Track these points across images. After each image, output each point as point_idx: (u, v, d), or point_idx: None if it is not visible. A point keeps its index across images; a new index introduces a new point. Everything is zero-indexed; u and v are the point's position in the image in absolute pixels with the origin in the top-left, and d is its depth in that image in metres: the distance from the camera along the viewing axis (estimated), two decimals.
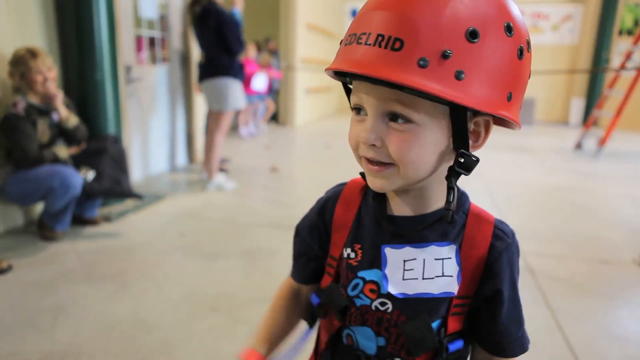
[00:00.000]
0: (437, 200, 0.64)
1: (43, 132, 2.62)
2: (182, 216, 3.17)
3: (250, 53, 6.50)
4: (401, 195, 0.64)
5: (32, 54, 2.53)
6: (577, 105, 9.56)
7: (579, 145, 6.56)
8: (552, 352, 1.80)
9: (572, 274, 2.49)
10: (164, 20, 4.25)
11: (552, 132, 8.64)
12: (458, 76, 0.50)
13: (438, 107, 0.54)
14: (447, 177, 0.58)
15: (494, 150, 6.29)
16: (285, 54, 7.61)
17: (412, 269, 0.62)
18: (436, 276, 0.62)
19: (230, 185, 3.90)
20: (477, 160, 0.57)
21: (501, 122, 0.60)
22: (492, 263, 0.62)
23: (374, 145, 0.56)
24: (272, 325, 0.77)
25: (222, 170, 4.33)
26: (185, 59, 4.46)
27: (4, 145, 2.57)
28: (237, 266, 2.36)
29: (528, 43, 0.56)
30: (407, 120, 0.54)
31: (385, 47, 0.50)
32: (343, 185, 0.73)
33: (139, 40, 3.96)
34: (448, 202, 0.57)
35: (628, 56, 6.36)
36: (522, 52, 0.55)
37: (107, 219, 3.02)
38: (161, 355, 1.68)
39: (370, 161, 0.58)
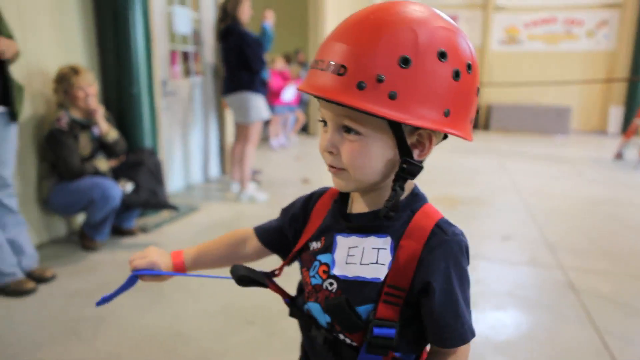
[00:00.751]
0: (384, 198, 0.71)
1: (85, 145, 2.71)
2: (216, 227, 3.21)
3: (278, 65, 6.57)
4: (362, 196, 0.75)
5: (75, 71, 2.63)
6: (616, 114, 9.24)
7: (619, 155, 6.34)
8: None
9: (617, 291, 2.39)
10: (197, 35, 4.35)
11: (589, 141, 8.37)
12: (392, 96, 0.60)
13: (381, 122, 0.63)
14: (393, 181, 0.68)
15: (529, 162, 6.14)
16: None
17: (354, 255, 0.72)
18: (371, 263, 0.70)
19: (262, 196, 3.94)
20: (421, 167, 0.68)
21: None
22: (424, 256, 0.68)
23: (331, 152, 0.68)
24: (209, 248, 0.92)
25: (253, 181, 4.37)
26: (217, 72, 4.55)
27: (49, 159, 2.67)
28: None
29: (468, 66, 0.65)
30: (357, 133, 0.65)
31: (333, 72, 0.61)
32: (326, 188, 0.85)
33: (173, 54, 4.07)
34: (388, 200, 0.67)
35: None
36: (459, 74, 0.63)
37: (144, 229, 3.09)
38: None
39: (330, 165, 0.70)
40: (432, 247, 0.68)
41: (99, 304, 0.89)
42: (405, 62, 0.60)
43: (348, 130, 0.66)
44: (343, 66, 0.61)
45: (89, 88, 2.67)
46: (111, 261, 2.62)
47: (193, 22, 4.25)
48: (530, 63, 9.54)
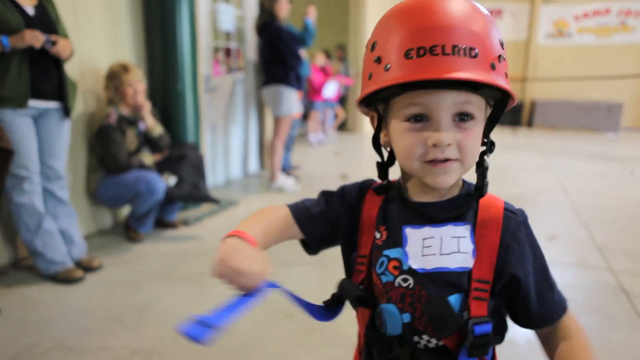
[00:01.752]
0: (457, 185, 0.71)
1: (131, 140, 2.80)
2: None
3: (319, 61, 6.57)
4: (427, 187, 0.69)
5: (125, 68, 2.71)
6: None
7: None
8: None
9: None
10: (239, 32, 4.41)
11: None
12: (506, 75, 0.64)
13: (485, 102, 0.66)
14: (483, 161, 0.69)
15: (576, 159, 5.89)
16: (355, 61, 7.63)
17: (430, 246, 0.68)
18: (452, 252, 0.67)
19: (290, 185, 4.03)
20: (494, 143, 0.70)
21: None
22: (509, 244, 0.67)
23: (448, 145, 0.63)
24: (269, 231, 0.74)
25: (292, 176, 4.41)
26: (258, 68, 4.59)
27: (97, 153, 2.78)
28: (310, 273, 2.38)
29: None
30: (472, 118, 0.64)
31: (464, 55, 0.59)
32: (370, 182, 0.79)
33: (216, 51, 4.15)
34: (483, 178, 0.68)
35: None
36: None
37: (186, 222, 3.17)
38: None
39: (435, 161, 0.64)
40: (514, 233, 0.68)
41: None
42: (502, 44, 0.64)
43: (463, 117, 0.64)
44: (473, 48, 0.60)
45: (138, 85, 2.76)
46: (154, 252, 2.70)
47: (236, 19, 4.31)
48: (579, 57, 9.13)
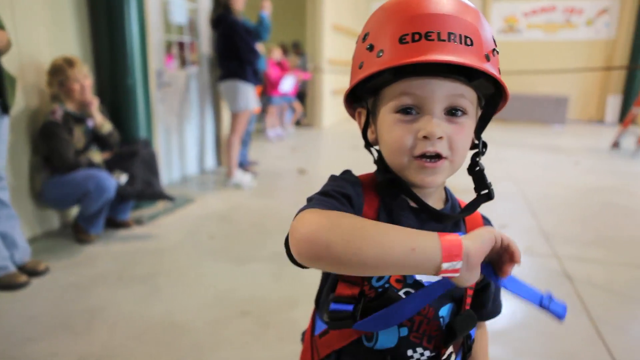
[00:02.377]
0: (442, 191, 0.72)
1: (79, 138, 2.69)
2: (212, 219, 3.20)
3: (275, 55, 6.52)
4: (426, 191, 0.68)
5: (69, 63, 2.59)
6: (614, 103, 9.22)
7: (616, 145, 6.33)
8: None
9: (613, 280, 2.39)
10: (193, 25, 4.31)
11: (586, 131, 8.36)
12: (499, 70, 0.63)
13: (476, 99, 0.64)
14: (477, 162, 0.68)
15: (526, 151, 6.13)
16: (312, 55, 7.62)
17: None
18: None
19: (247, 180, 4.01)
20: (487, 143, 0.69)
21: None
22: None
23: (440, 138, 0.60)
24: None
25: (249, 172, 4.37)
26: (213, 62, 4.51)
27: (42, 152, 2.65)
28: (266, 270, 2.36)
29: None
30: (464, 113, 0.62)
31: (460, 42, 0.58)
32: (357, 177, 0.70)
33: (168, 44, 4.03)
34: (486, 180, 0.69)
35: None
36: None
37: (139, 221, 3.08)
38: None
39: (425, 159, 0.61)
40: None
41: None
42: (494, 40, 0.63)
43: (453, 112, 0.61)
44: (468, 37, 0.59)
45: (84, 80, 2.64)
46: (106, 253, 2.61)
47: (189, 11, 4.21)
48: (529, 52, 9.50)
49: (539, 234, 3.02)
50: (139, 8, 3.05)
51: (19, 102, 2.55)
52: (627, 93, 8.98)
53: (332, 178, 0.70)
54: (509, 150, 6.10)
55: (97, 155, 2.78)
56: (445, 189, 0.72)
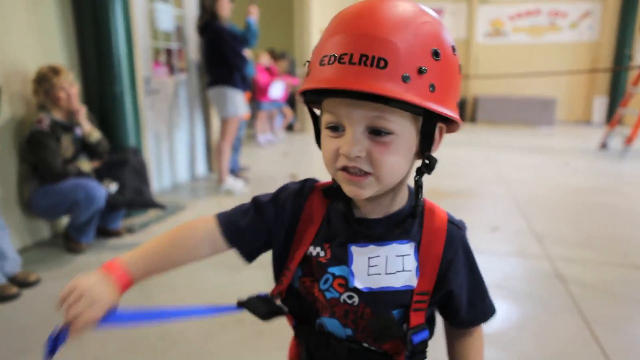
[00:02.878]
0: (400, 200, 0.71)
1: (67, 147, 2.66)
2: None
3: (263, 61, 6.52)
4: (372, 201, 0.69)
5: (55, 71, 2.57)
6: (600, 104, 9.35)
7: (603, 145, 6.41)
8: None
9: (605, 280, 2.41)
10: (180, 32, 4.29)
11: (574, 132, 8.46)
12: (432, 89, 0.59)
13: (409, 116, 0.61)
14: (417, 178, 0.67)
15: (515, 153, 6.19)
16: (300, 60, 7.63)
17: (376, 265, 0.68)
18: (397, 271, 0.68)
19: (238, 186, 4.00)
20: (436, 160, 0.66)
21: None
22: (450, 258, 0.70)
23: (358, 157, 0.61)
24: (159, 253, 0.75)
25: (240, 177, 4.35)
26: (201, 69, 4.50)
27: (30, 161, 2.62)
28: (260, 276, 2.34)
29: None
30: (388, 133, 0.60)
31: (371, 66, 0.56)
32: (311, 185, 0.76)
33: (156, 52, 4.02)
34: (417, 198, 0.68)
35: None
36: (460, 68, 0.66)
37: (130, 230, 3.05)
38: None
39: (349, 172, 0.62)
40: (456, 247, 0.71)
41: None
42: (436, 54, 0.59)
43: (377, 132, 0.60)
44: (382, 59, 0.56)
45: (71, 88, 2.62)
46: (97, 263, 2.55)
47: (176, 18, 4.19)
48: (515, 55, 9.60)
49: (530, 235, 3.05)
50: (125, 15, 3.04)
51: (5, 111, 2.52)
52: (613, 94, 9.11)
53: (281, 187, 0.77)
54: (498, 153, 6.15)
55: (86, 164, 2.75)
56: (410, 193, 0.72)
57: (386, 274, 0.68)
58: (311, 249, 0.72)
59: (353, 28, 0.59)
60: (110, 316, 0.65)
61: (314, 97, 0.66)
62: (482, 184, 4.36)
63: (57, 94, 2.57)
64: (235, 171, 4.46)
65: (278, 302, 0.76)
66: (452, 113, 0.62)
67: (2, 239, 2.25)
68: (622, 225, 3.31)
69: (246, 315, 2.22)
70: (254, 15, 3.96)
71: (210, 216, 0.76)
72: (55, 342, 0.64)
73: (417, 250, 0.69)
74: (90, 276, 0.68)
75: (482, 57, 9.71)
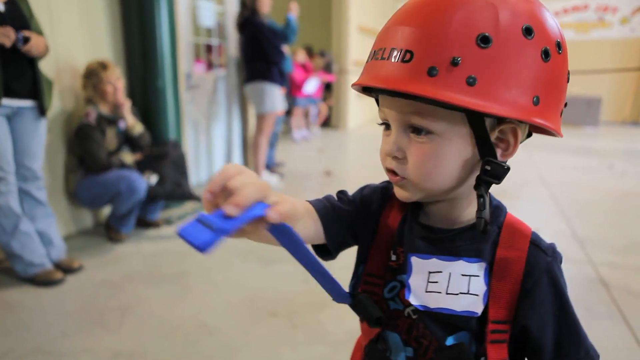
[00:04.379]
0: (470, 212, 0.62)
1: (111, 140, 2.75)
2: None
3: (299, 57, 6.54)
4: (435, 205, 0.63)
5: (103, 66, 2.66)
6: None
7: None
8: None
9: None
10: (221, 28, 4.36)
11: (621, 133, 8.10)
12: (471, 82, 0.50)
13: (456, 115, 0.54)
14: (476, 187, 0.57)
15: (556, 153, 5.98)
16: (337, 57, 7.61)
17: (437, 282, 0.60)
18: (461, 292, 0.59)
19: (274, 181, 4.05)
20: (508, 168, 0.56)
21: (538, 129, 0.60)
22: (530, 287, 0.58)
23: (396, 157, 0.58)
24: (300, 215, 0.62)
25: (276, 173, 4.39)
26: (240, 65, 4.56)
27: (76, 153, 2.72)
28: (295, 271, 2.36)
29: (558, 45, 0.55)
30: (428, 132, 0.55)
31: (396, 60, 0.53)
32: (388, 192, 0.70)
33: (197, 47, 4.10)
34: (479, 210, 0.56)
35: None
36: (548, 54, 0.53)
37: (169, 221, 3.13)
38: (222, 359, 1.71)
39: (391, 172, 0.59)
40: (538, 275, 0.59)
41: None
42: (485, 40, 0.50)
43: (417, 130, 0.56)
44: (409, 51, 0.52)
45: (117, 82, 2.71)
46: (136, 252, 2.66)
47: (217, 15, 4.26)
48: None
49: (572, 239, 2.94)
50: (169, 12, 3.11)
51: (55, 104, 2.62)
52: None
53: (365, 186, 0.73)
54: (539, 153, 5.96)
55: (128, 157, 2.84)
56: (481, 198, 0.57)
57: (447, 293, 0.60)
58: (390, 254, 0.66)
59: (396, 18, 0.57)
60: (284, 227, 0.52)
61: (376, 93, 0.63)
62: (523, 185, 4.24)
63: (105, 88, 2.66)
64: (270, 166, 4.51)
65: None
66: (503, 111, 0.51)
67: (49, 226, 2.35)
68: None
69: (280, 308, 2.25)
70: (294, 11, 3.99)
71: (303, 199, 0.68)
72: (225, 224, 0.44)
73: (489, 271, 0.59)
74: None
75: None
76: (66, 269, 2.36)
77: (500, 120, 0.55)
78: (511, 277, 0.58)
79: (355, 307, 0.66)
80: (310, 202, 0.68)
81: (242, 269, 2.45)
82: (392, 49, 0.53)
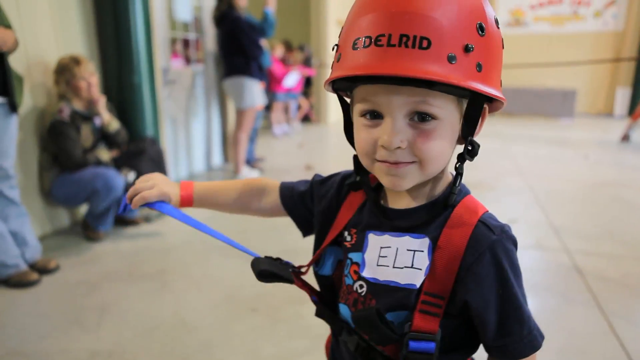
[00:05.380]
0: (440, 189, 0.65)
1: (86, 137, 2.70)
2: (220, 215, 3.18)
3: (278, 52, 6.51)
4: (411, 191, 0.64)
5: (76, 61, 2.60)
6: (623, 96, 9.11)
7: (626, 138, 6.26)
8: (607, 358, 1.71)
9: (624, 274, 2.37)
10: (198, 22, 4.31)
11: (595, 124, 8.28)
12: (479, 68, 0.54)
13: (454, 99, 0.57)
14: (457, 164, 0.61)
15: (533, 144, 6.08)
16: (317, 51, 7.59)
17: (386, 256, 0.64)
18: (405, 267, 0.62)
19: (254, 177, 3.96)
20: (479, 145, 0.61)
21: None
22: (472, 264, 0.59)
23: (398, 147, 0.56)
24: (222, 188, 0.85)
25: (256, 168, 4.37)
26: (218, 59, 4.51)
27: (50, 150, 2.66)
28: None
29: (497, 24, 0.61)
30: (433, 118, 0.56)
31: (413, 47, 0.51)
32: (348, 184, 0.75)
33: (173, 42, 4.04)
34: (454, 185, 0.62)
35: None
36: (503, 43, 0.61)
37: (147, 219, 3.08)
38: (202, 356, 1.70)
39: (389, 163, 0.58)
40: (480, 252, 0.59)
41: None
42: (482, 28, 0.54)
43: (421, 118, 0.56)
44: (425, 38, 0.51)
45: (91, 78, 2.65)
46: (114, 251, 2.62)
47: (194, 9, 4.20)
48: (536, 45, 9.41)
49: (548, 228, 3.00)
50: (144, 5, 3.05)
51: (27, 101, 2.56)
52: (636, 85, 8.87)
53: (335, 173, 0.80)
54: (516, 145, 6.06)
55: (105, 154, 2.79)
56: (459, 176, 0.63)
57: (394, 267, 0.63)
58: (345, 233, 0.71)
59: (389, 4, 0.53)
60: (162, 205, 0.77)
61: (346, 85, 0.61)
62: (501, 175, 4.30)
63: (78, 83, 2.60)
64: (250, 162, 4.48)
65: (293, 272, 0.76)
66: (499, 93, 0.58)
67: (23, 226, 2.30)
68: None
69: (261, 304, 2.24)
70: (271, 5, 3.95)
71: (275, 181, 0.86)
72: (124, 207, 0.80)
73: (433, 246, 0.61)
74: (167, 179, 0.81)
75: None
76: (42, 270, 2.31)
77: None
78: (451, 252, 0.60)
79: (253, 266, 0.75)
80: (281, 186, 0.84)
81: (221, 266, 2.43)
82: (403, 35, 0.51)
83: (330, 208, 0.75)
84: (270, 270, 0.72)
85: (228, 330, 1.85)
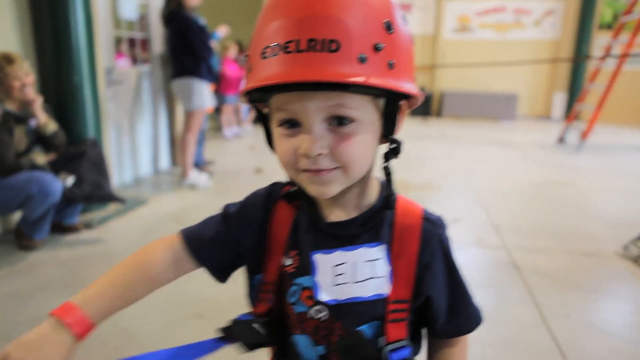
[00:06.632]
0: (370, 195, 0.65)
1: (20, 139, 2.56)
2: (165, 220, 3.13)
3: (231, 53, 6.44)
4: (336, 198, 0.62)
5: (8, 60, 2.46)
6: (560, 100, 9.67)
7: (561, 140, 6.63)
8: (539, 348, 1.80)
9: (557, 268, 2.51)
10: (144, 21, 4.18)
11: (535, 126, 8.73)
12: (391, 65, 0.54)
13: (370, 99, 0.56)
14: (385, 164, 0.61)
15: (477, 146, 6.33)
16: None
17: (343, 274, 0.62)
18: (367, 278, 0.61)
19: (203, 180, 3.94)
20: (401, 143, 0.61)
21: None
22: (428, 261, 0.63)
23: (319, 154, 0.55)
24: (120, 288, 0.67)
25: (205, 171, 4.29)
26: (166, 60, 4.40)
27: None
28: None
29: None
30: (351, 121, 0.55)
31: (322, 50, 0.50)
32: (279, 189, 0.70)
33: (118, 41, 3.90)
34: (389, 187, 0.61)
35: (608, 50, 6.43)
36: (412, 39, 0.60)
37: (88, 225, 2.96)
38: None
39: (311, 171, 0.57)
40: (433, 248, 0.63)
41: None
42: (389, 27, 0.54)
43: (340, 121, 0.55)
44: (334, 40, 0.50)
45: (26, 77, 2.52)
46: (52, 260, 2.50)
47: (140, 7, 4.08)
48: (481, 51, 9.79)
49: (489, 226, 3.13)
50: (84, 1, 2.93)
51: None
52: (571, 90, 9.43)
53: (251, 194, 0.72)
54: (461, 146, 6.29)
55: (41, 157, 2.65)
56: (382, 186, 0.65)
57: (354, 282, 0.61)
58: (283, 258, 0.66)
59: (295, 9, 0.52)
60: None
61: (260, 95, 0.59)
62: (445, 176, 4.45)
63: (11, 83, 2.47)
64: (199, 165, 4.40)
65: (257, 325, 0.68)
66: (414, 89, 0.58)
67: None
68: (576, 215, 3.44)
69: (205, 309, 2.19)
70: (222, 32, 4.03)
71: (173, 234, 0.71)
72: None
73: (389, 252, 0.62)
74: (40, 328, 0.60)
75: (449, 52, 9.86)
76: None
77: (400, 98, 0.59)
78: (408, 254, 0.62)
79: (237, 339, 0.69)
80: (183, 236, 0.70)
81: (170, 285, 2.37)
82: (310, 40, 0.50)
83: (263, 231, 0.68)
84: (264, 342, 0.68)
85: (171, 337, 1.81)
